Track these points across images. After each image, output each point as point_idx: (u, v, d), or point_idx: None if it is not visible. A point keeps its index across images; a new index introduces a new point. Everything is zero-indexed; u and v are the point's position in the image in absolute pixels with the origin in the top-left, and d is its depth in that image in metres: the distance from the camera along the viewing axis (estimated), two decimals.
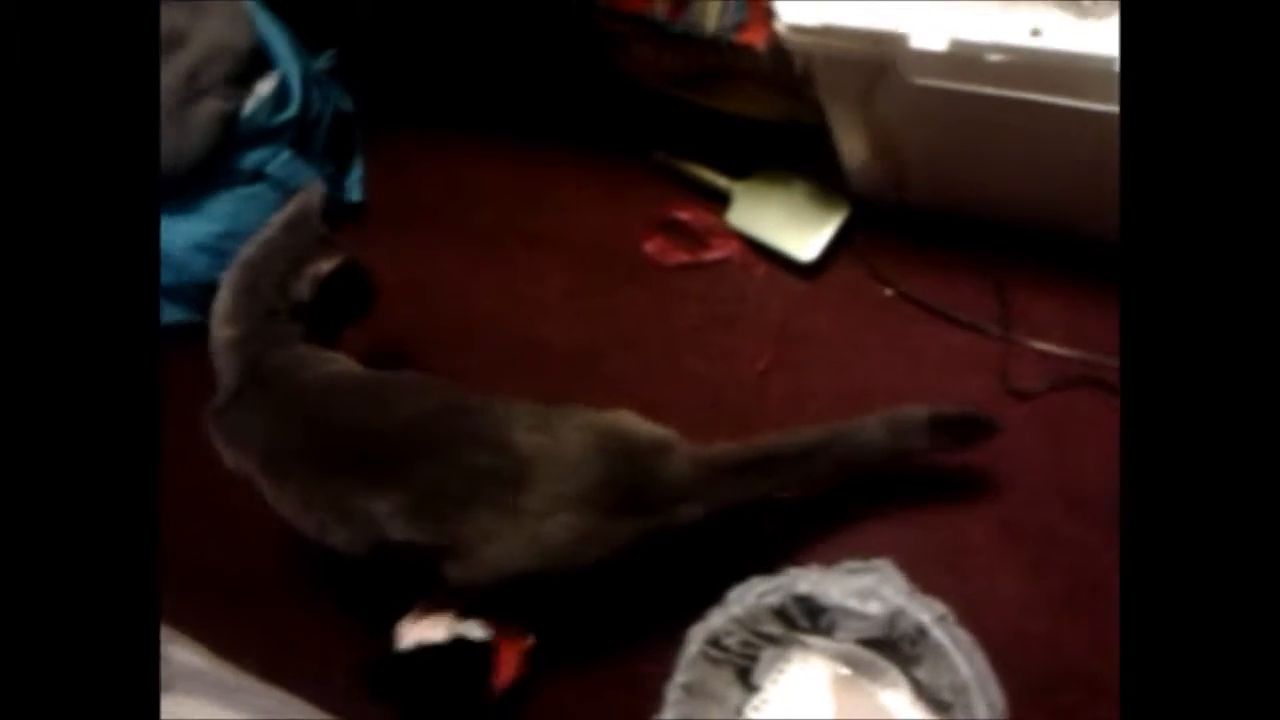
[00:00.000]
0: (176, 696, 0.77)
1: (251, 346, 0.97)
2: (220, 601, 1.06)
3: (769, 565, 0.92)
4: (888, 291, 1.15)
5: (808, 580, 0.88)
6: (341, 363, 1.00)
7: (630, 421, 0.93)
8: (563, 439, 0.88)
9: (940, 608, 0.85)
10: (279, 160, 1.20)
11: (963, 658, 0.82)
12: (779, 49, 1.04)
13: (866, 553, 0.90)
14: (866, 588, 0.86)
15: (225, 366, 0.99)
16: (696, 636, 0.89)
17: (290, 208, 1.03)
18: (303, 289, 0.97)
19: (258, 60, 1.21)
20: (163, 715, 0.74)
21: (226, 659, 0.92)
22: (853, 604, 0.86)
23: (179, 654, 0.88)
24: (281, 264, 0.99)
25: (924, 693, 0.87)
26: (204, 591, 1.07)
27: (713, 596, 0.90)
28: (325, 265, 0.98)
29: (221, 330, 0.99)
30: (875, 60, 0.95)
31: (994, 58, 0.89)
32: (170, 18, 1.18)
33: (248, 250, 1.02)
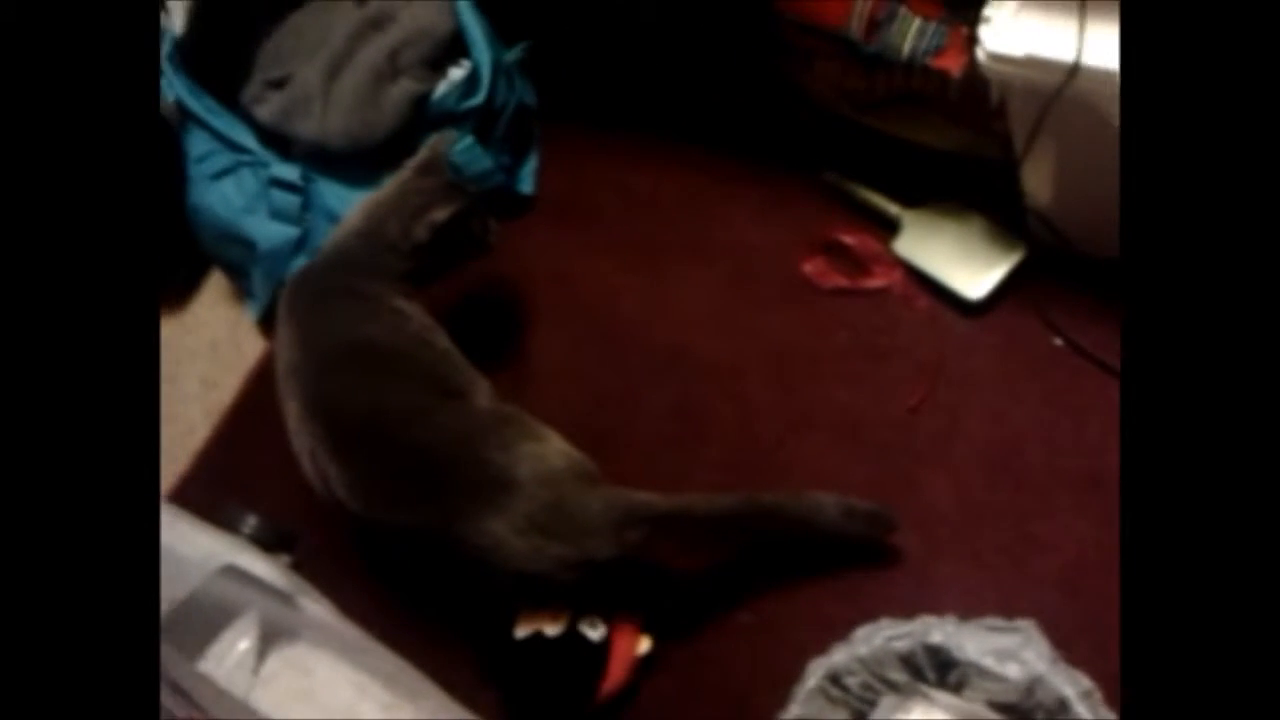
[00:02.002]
0: (302, 646, 0.80)
1: (354, 262, 1.06)
2: (348, 562, 1.10)
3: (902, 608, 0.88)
4: (1057, 341, 1.09)
5: (942, 630, 0.83)
6: (403, 318, 1.04)
7: (566, 446, 0.99)
8: (511, 460, 0.93)
9: (1086, 682, 0.79)
10: (461, 145, 1.24)
11: None
12: (974, 77, 1.00)
13: (1010, 611, 0.85)
14: (1006, 648, 0.81)
15: (322, 259, 1.09)
16: (816, 671, 0.86)
17: (422, 154, 1.11)
18: (421, 232, 1.05)
19: (454, 46, 1.25)
20: (289, 664, 0.77)
21: (351, 618, 0.95)
22: (989, 663, 0.81)
23: (308, 605, 0.91)
24: (409, 208, 1.07)
25: None
26: (334, 550, 1.11)
27: (838, 631, 0.87)
28: (441, 213, 1.06)
29: (341, 236, 1.09)
30: (1078, 97, 0.90)
31: None
32: None
33: (383, 190, 1.10)
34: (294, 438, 1.01)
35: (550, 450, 0.97)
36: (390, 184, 1.11)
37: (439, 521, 0.93)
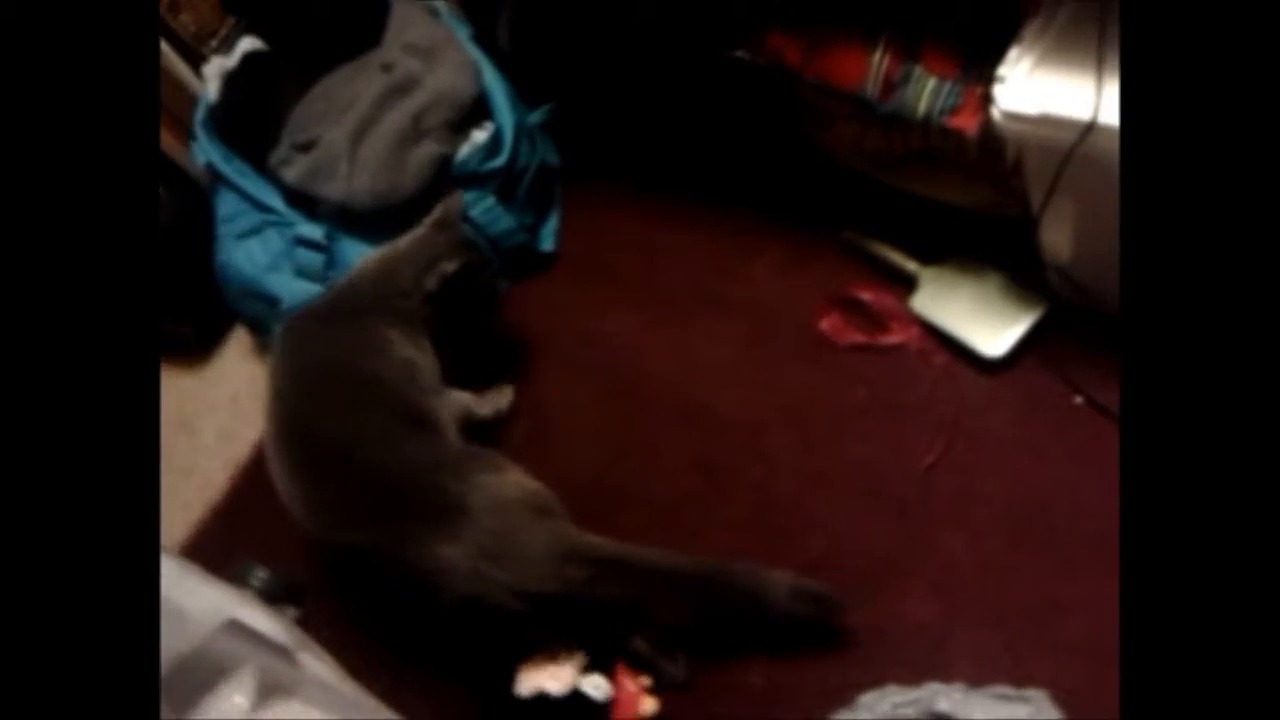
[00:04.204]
0: (297, 704, 0.79)
1: (360, 298, 1.10)
2: (355, 616, 1.10)
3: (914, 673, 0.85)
4: (1077, 399, 1.07)
5: (949, 699, 0.81)
6: (390, 346, 1.07)
7: (526, 479, 1.01)
8: (465, 489, 0.96)
9: None
10: (483, 205, 1.26)
11: None
12: (990, 136, 1.00)
13: (1028, 677, 0.82)
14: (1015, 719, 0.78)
15: (329, 295, 1.13)
16: None
17: (438, 212, 1.16)
18: (431, 281, 1.10)
19: (477, 109, 1.28)
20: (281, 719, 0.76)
21: (351, 674, 0.94)
22: None
23: (308, 662, 0.90)
24: (422, 259, 1.12)
25: None
26: (341, 603, 1.10)
27: (846, 696, 0.85)
28: (451, 265, 1.11)
29: (353, 276, 1.13)
30: (1094, 154, 0.90)
31: None
32: (407, 65, 1.28)
33: (400, 242, 1.14)
34: (269, 463, 1.04)
35: (506, 482, 0.98)
36: (406, 237, 1.15)
37: (391, 544, 0.95)
